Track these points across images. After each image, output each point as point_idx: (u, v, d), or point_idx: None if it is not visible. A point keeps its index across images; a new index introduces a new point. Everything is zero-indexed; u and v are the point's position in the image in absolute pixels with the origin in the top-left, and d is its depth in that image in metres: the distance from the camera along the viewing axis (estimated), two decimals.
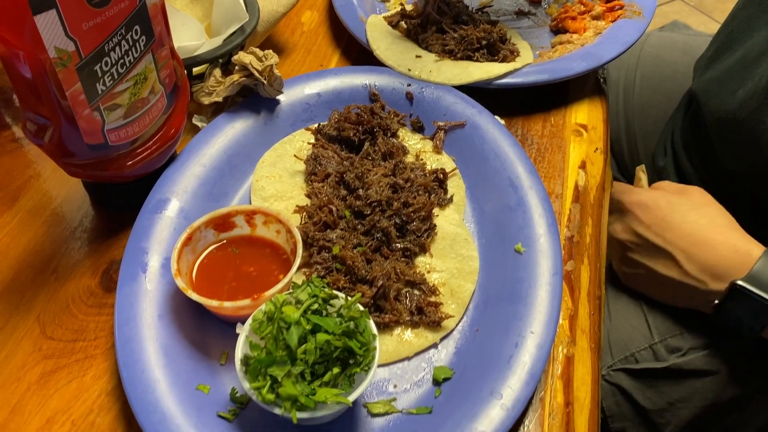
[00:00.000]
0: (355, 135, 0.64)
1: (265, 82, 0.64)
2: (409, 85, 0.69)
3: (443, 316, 0.53)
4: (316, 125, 0.66)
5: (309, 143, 0.65)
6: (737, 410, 0.72)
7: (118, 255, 0.58)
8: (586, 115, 0.74)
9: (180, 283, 0.49)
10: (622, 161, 1.07)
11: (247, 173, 0.63)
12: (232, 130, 0.64)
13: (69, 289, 0.56)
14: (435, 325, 0.53)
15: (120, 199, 0.61)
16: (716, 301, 0.66)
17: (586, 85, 0.77)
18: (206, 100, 0.66)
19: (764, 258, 0.64)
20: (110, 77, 0.50)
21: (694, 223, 0.69)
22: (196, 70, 0.67)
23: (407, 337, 0.53)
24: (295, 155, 0.64)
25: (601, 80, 0.79)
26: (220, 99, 0.66)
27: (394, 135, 0.66)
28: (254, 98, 0.66)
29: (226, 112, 0.65)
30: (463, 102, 0.67)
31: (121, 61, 0.51)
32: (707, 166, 0.86)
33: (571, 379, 0.52)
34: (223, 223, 0.55)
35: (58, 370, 0.51)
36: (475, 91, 0.70)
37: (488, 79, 0.70)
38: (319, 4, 0.87)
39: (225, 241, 0.55)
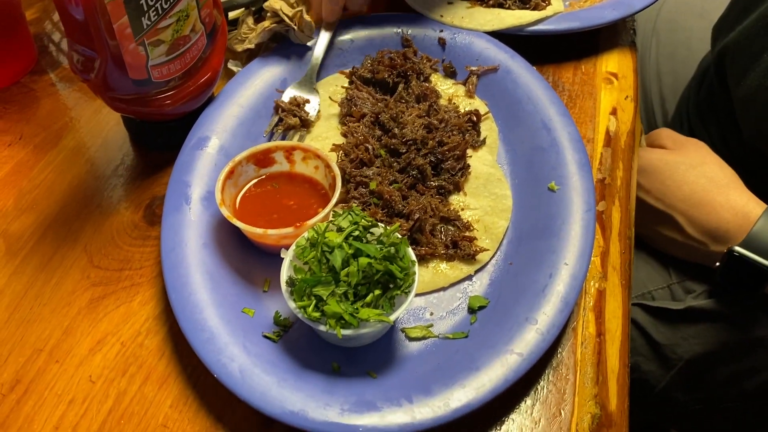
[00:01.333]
0: (390, 77, 0.65)
1: (295, 27, 0.65)
2: (441, 31, 0.69)
3: (478, 249, 0.55)
4: (350, 69, 0.67)
5: (342, 87, 0.66)
6: (746, 355, 0.73)
7: (160, 191, 0.60)
8: (617, 63, 0.74)
9: (225, 211, 0.51)
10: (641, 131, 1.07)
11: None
12: (268, 72, 0.65)
13: (113, 222, 0.58)
14: (470, 258, 0.55)
15: (159, 137, 0.63)
16: (717, 263, 0.66)
17: (616, 34, 0.77)
18: (239, 47, 0.67)
19: (763, 219, 0.64)
20: (155, 12, 0.52)
21: (693, 184, 0.70)
22: (232, 14, 0.68)
23: (443, 269, 0.54)
24: (330, 97, 0.65)
25: (631, 31, 0.78)
26: (252, 46, 0.67)
27: (427, 80, 0.67)
28: (288, 43, 0.67)
29: (261, 56, 0.66)
30: (495, 47, 0.68)
31: None
32: (726, 141, 0.85)
33: (603, 311, 0.54)
34: (263, 159, 0.56)
35: (106, 296, 0.53)
36: (507, 39, 0.70)
37: (520, 25, 0.71)
38: None
39: (265, 177, 0.57)
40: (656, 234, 0.74)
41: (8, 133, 0.64)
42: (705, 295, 0.73)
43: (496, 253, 0.56)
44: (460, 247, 0.55)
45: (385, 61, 0.66)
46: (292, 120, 0.63)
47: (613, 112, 0.69)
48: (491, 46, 0.68)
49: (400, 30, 0.69)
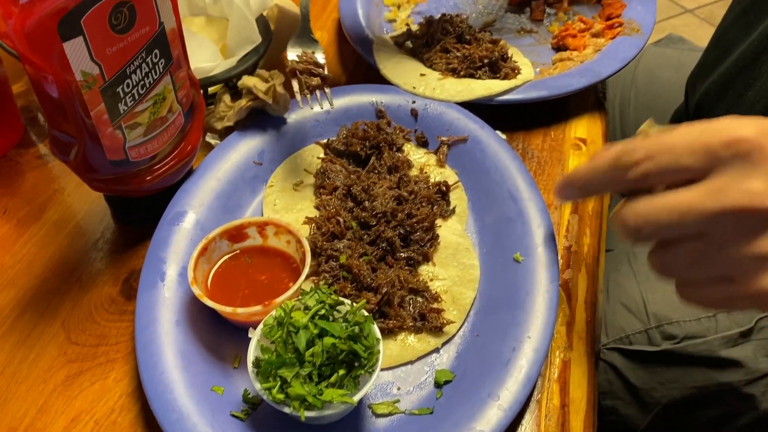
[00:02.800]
0: (362, 150, 0.67)
1: (270, 102, 0.68)
2: (413, 102, 0.72)
3: (445, 321, 0.56)
4: (325, 141, 0.70)
5: (318, 158, 0.68)
6: (721, 400, 0.73)
7: (137, 265, 0.61)
8: (586, 129, 0.77)
9: (196, 290, 0.52)
10: None
11: (259, 187, 0.66)
12: (246, 146, 0.67)
13: (92, 297, 0.59)
14: (437, 330, 0.56)
15: (139, 212, 0.65)
16: None
17: (585, 100, 0.80)
18: (218, 125, 0.70)
19: None
20: (131, 98, 0.54)
21: None
22: (211, 89, 0.71)
23: (410, 342, 0.56)
24: (305, 169, 0.68)
25: (600, 95, 0.81)
26: (231, 123, 0.69)
27: (400, 150, 0.69)
28: (264, 115, 0.69)
29: (240, 130, 0.68)
30: (465, 117, 0.70)
31: (142, 82, 0.54)
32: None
33: (567, 382, 0.55)
34: (236, 234, 0.58)
35: (82, 373, 0.54)
36: (478, 108, 0.73)
37: (490, 95, 0.73)
38: (329, 25, 0.91)
39: (238, 251, 0.58)
40: None
41: None
42: (684, 341, 0.73)
43: (463, 324, 0.57)
44: (427, 319, 0.56)
45: (358, 133, 0.68)
46: (314, 80, 0.65)
47: None
48: (461, 116, 0.71)
49: (374, 101, 0.72)
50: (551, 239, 0.59)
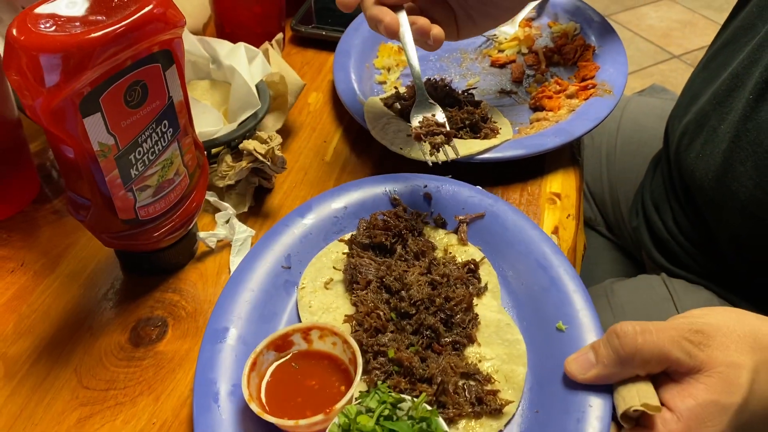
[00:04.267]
0: (386, 239, 0.68)
1: (268, 162, 0.73)
2: (425, 186, 0.73)
3: (503, 402, 0.56)
4: (348, 236, 0.69)
5: (343, 253, 0.68)
6: None
7: (144, 314, 0.66)
8: (560, 184, 0.82)
9: (255, 408, 0.51)
10: (611, 223, 1.15)
11: (291, 290, 0.66)
12: (271, 253, 0.67)
13: (102, 344, 0.63)
14: (497, 412, 0.56)
15: (146, 264, 0.68)
16: None
17: (560, 157, 0.85)
18: (220, 184, 0.74)
19: None
20: (142, 163, 0.58)
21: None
22: (214, 150, 0.76)
23: (473, 428, 0.55)
24: (333, 267, 0.67)
25: (576, 151, 0.87)
26: (232, 182, 0.73)
27: (421, 234, 0.70)
28: (288, 219, 0.70)
29: (263, 238, 0.68)
30: (479, 194, 0.72)
31: (152, 149, 0.58)
32: (677, 222, 0.93)
33: None
34: (282, 344, 0.57)
35: (92, 416, 0.58)
36: (460, 165, 0.77)
37: (470, 154, 0.78)
38: (324, 87, 0.96)
39: (285, 359, 0.57)
40: None
41: (11, 260, 0.70)
42: None
43: (520, 403, 0.57)
44: (485, 402, 0.56)
45: (378, 223, 0.68)
46: (438, 139, 0.69)
47: (555, 231, 0.76)
48: (474, 193, 0.72)
49: (387, 190, 0.73)
50: (590, 304, 0.61)
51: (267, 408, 0.53)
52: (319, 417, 0.51)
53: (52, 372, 0.61)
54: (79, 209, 0.62)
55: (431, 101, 0.73)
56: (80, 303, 0.67)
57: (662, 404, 0.51)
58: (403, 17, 0.72)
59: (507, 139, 0.82)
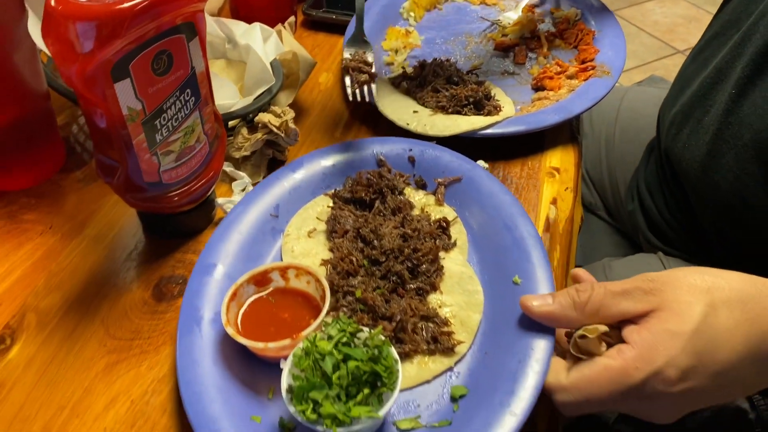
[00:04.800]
0: (367, 195, 0.74)
1: (282, 134, 0.77)
2: (410, 150, 0.79)
3: (455, 342, 0.62)
4: (332, 191, 0.76)
5: (328, 206, 0.75)
6: None
7: (166, 272, 0.71)
8: (559, 159, 0.86)
9: (230, 330, 0.58)
10: (610, 207, 1.18)
11: (277, 236, 0.73)
12: (262, 201, 0.74)
13: (127, 299, 0.68)
14: (449, 351, 0.62)
15: (167, 227, 0.74)
16: None
17: (560, 134, 0.89)
18: (236, 155, 0.79)
19: None
20: (166, 129, 0.63)
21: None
22: (231, 123, 0.81)
23: (426, 363, 0.61)
24: (317, 218, 0.74)
25: (575, 129, 0.91)
26: (247, 153, 0.79)
27: (401, 193, 0.76)
28: (280, 173, 0.77)
29: (257, 187, 0.75)
30: (459, 159, 0.78)
31: (175, 116, 0.63)
32: (669, 208, 0.96)
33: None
34: (261, 279, 0.64)
35: (119, 362, 0.62)
36: (464, 140, 0.82)
37: (474, 129, 0.83)
38: (334, 68, 1.01)
39: (263, 294, 0.64)
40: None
41: (40, 224, 0.75)
42: None
43: (472, 344, 0.63)
44: (440, 341, 0.62)
45: (362, 181, 0.75)
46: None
47: (554, 202, 0.80)
48: (455, 158, 0.78)
49: (375, 151, 0.79)
50: (545, 262, 0.66)
51: (241, 333, 0.60)
52: (286, 341, 0.58)
53: (81, 323, 0.65)
54: (107, 172, 0.66)
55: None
56: (105, 262, 0.72)
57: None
58: None
59: (509, 116, 0.86)
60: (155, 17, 0.57)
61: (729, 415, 0.80)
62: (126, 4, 0.54)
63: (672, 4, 3.40)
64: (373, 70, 0.75)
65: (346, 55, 0.75)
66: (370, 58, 0.75)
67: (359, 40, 0.76)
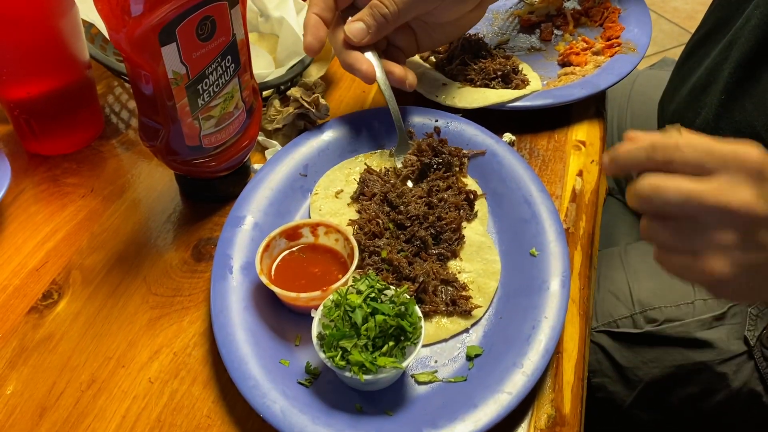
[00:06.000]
0: (428, 157, 0.76)
1: (313, 109, 0.80)
2: (436, 121, 0.81)
3: (473, 306, 0.65)
4: (391, 149, 0.80)
5: (355, 170, 0.78)
6: (697, 378, 0.83)
7: (204, 234, 0.74)
8: (585, 133, 0.87)
9: (264, 279, 0.62)
10: (625, 190, 1.19)
11: (305, 195, 0.76)
12: (292, 160, 0.77)
13: (167, 258, 0.71)
14: (466, 313, 0.65)
15: (205, 191, 0.77)
16: None
17: (586, 109, 0.90)
18: (269, 127, 0.82)
19: None
20: (208, 94, 0.66)
21: None
22: (265, 93, 0.83)
23: (444, 323, 0.65)
24: (345, 180, 0.77)
25: (600, 105, 0.92)
26: (280, 126, 0.82)
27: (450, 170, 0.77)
28: (310, 134, 0.79)
29: (287, 146, 0.78)
30: (483, 133, 0.80)
31: (217, 82, 0.65)
32: None
33: (561, 336, 0.65)
34: (293, 234, 0.67)
35: (162, 317, 0.66)
36: (492, 113, 0.84)
37: (502, 102, 0.85)
38: None
39: (294, 248, 0.68)
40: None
41: (82, 187, 0.78)
42: (664, 324, 0.84)
43: (488, 309, 0.66)
44: (458, 304, 0.65)
45: (425, 148, 0.77)
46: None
47: (580, 174, 0.82)
48: (479, 132, 0.80)
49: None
50: (562, 236, 0.69)
51: (273, 283, 0.63)
52: (317, 293, 0.61)
53: (124, 281, 0.69)
54: (150, 135, 0.69)
55: (411, 142, 0.79)
56: (146, 224, 0.74)
57: None
58: (375, 61, 0.77)
59: (536, 89, 0.88)
60: None
61: (743, 399, 0.83)
62: None
63: None
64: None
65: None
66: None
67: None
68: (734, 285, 0.51)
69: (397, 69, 0.78)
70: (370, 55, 0.77)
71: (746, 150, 0.49)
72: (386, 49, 0.83)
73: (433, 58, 0.93)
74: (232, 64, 0.67)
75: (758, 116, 0.75)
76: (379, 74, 0.77)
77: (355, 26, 0.76)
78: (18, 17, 0.70)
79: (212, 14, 0.62)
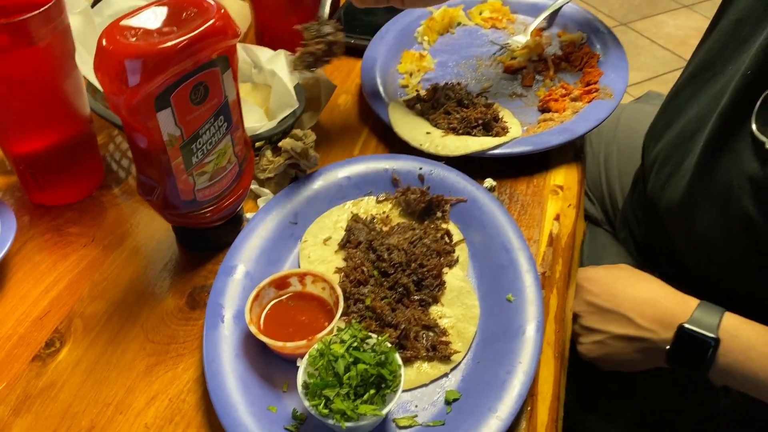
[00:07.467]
0: (419, 206, 0.81)
1: (302, 161, 0.84)
2: (420, 168, 0.86)
3: (452, 351, 0.69)
4: (384, 194, 0.85)
5: (342, 218, 0.82)
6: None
7: (199, 282, 0.77)
8: (563, 177, 0.91)
9: (253, 329, 0.65)
10: (612, 221, 1.22)
11: (295, 243, 0.80)
12: (283, 209, 0.81)
13: (163, 306, 0.74)
14: (446, 359, 0.69)
15: (199, 241, 0.81)
16: (667, 347, 0.78)
17: (565, 153, 0.94)
18: (261, 176, 0.86)
19: (701, 304, 0.78)
20: (201, 152, 0.70)
21: (635, 285, 0.84)
22: (257, 144, 0.87)
23: (425, 369, 0.68)
24: (333, 227, 0.81)
25: (578, 149, 0.96)
26: (271, 175, 0.85)
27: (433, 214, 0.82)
28: (299, 183, 0.84)
29: (278, 195, 0.82)
30: (464, 180, 0.84)
31: (210, 141, 0.69)
32: (653, 240, 1.00)
33: (537, 377, 0.68)
34: (281, 283, 0.71)
35: (158, 364, 0.69)
36: (473, 159, 0.88)
37: (483, 150, 0.89)
38: (353, 90, 1.08)
39: (283, 297, 0.72)
40: (606, 338, 0.84)
41: (84, 236, 0.81)
42: None
43: (466, 354, 0.70)
44: (438, 350, 0.69)
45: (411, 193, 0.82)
46: (318, 47, 0.85)
47: (557, 218, 0.85)
48: (461, 179, 0.84)
49: (387, 167, 0.86)
50: (537, 282, 0.72)
51: (262, 332, 0.67)
52: (303, 342, 0.65)
53: (123, 328, 0.72)
54: (147, 190, 0.72)
55: (397, 189, 0.85)
56: (144, 273, 0.78)
57: None
58: None
59: (516, 137, 0.92)
60: (194, 54, 0.64)
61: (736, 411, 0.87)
62: (169, 44, 0.61)
63: (685, 17, 3.43)
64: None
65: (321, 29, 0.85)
66: (328, 29, 0.84)
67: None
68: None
69: None
70: None
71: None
72: None
73: (418, 106, 0.98)
74: (225, 123, 0.72)
75: (735, 174, 0.77)
76: None
77: None
78: (25, 79, 0.75)
79: (205, 80, 0.66)
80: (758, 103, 0.73)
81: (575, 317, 0.87)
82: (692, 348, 0.76)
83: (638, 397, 0.94)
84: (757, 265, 0.79)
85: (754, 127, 0.73)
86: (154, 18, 0.64)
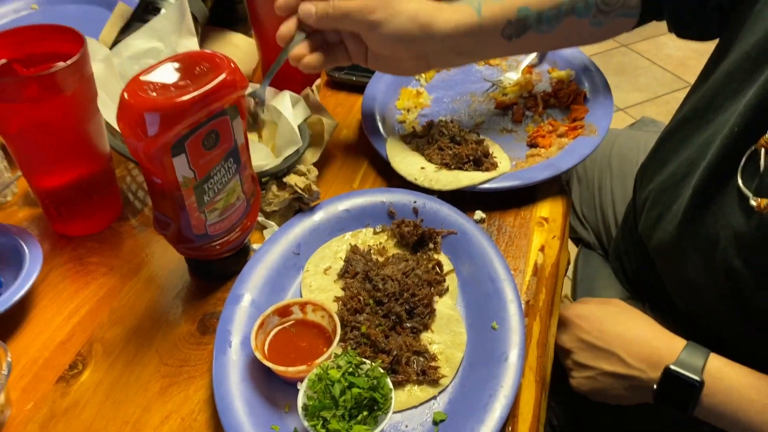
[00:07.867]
0: (411, 238, 0.88)
1: (306, 195, 0.91)
2: (414, 201, 0.92)
3: (440, 376, 0.75)
4: (380, 226, 0.92)
5: (342, 248, 0.89)
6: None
7: (209, 309, 0.83)
8: (549, 210, 0.97)
9: (258, 355, 0.72)
10: (606, 247, 1.26)
11: (298, 272, 0.87)
12: (286, 240, 0.88)
13: (176, 332, 0.79)
14: (434, 383, 0.74)
15: (211, 270, 0.87)
16: (655, 386, 0.81)
17: (550, 187, 1.00)
18: (267, 209, 0.93)
19: (689, 345, 0.82)
20: (213, 191, 0.77)
21: (625, 324, 0.86)
22: (264, 179, 0.94)
23: (415, 392, 0.74)
24: (333, 258, 0.88)
25: (564, 183, 1.03)
26: (277, 208, 0.92)
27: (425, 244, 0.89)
28: (302, 215, 0.91)
29: (282, 227, 0.89)
30: (455, 213, 0.91)
31: (220, 181, 0.74)
32: (640, 275, 1.04)
33: (518, 399, 0.74)
34: (284, 311, 0.78)
35: (171, 385, 0.74)
36: (465, 193, 0.94)
37: (473, 184, 0.95)
38: (353, 125, 1.14)
39: (286, 324, 0.78)
40: (596, 374, 0.88)
41: (103, 265, 0.87)
42: None
43: (453, 378, 0.75)
44: (427, 374, 0.75)
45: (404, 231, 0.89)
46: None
47: (542, 249, 0.91)
48: (452, 212, 0.91)
49: (384, 201, 0.93)
50: (521, 312, 0.78)
51: (267, 357, 0.73)
52: (303, 367, 0.71)
53: (139, 352, 0.77)
54: (162, 226, 0.78)
55: (393, 221, 0.92)
56: (158, 300, 0.83)
57: None
58: (298, 37, 0.91)
59: (505, 171, 0.99)
60: (207, 105, 0.70)
61: None
62: (185, 98, 0.68)
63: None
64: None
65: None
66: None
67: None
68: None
69: (310, 57, 0.91)
70: (299, 33, 0.91)
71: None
72: (337, 43, 0.95)
73: (415, 142, 1.04)
74: (234, 165, 0.78)
75: (721, 226, 0.78)
76: (290, 45, 0.91)
77: (305, 6, 0.88)
78: (52, 124, 0.83)
79: (216, 127, 0.73)
80: (743, 158, 0.75)
81: (568, 352, 0.90)
82: (678, 389, 0.78)
83: (628, 429, 0.99)
84: (741, 313, 0.82)
85: (740, 181, 0.74)
86: (170, 73, 0.71)
